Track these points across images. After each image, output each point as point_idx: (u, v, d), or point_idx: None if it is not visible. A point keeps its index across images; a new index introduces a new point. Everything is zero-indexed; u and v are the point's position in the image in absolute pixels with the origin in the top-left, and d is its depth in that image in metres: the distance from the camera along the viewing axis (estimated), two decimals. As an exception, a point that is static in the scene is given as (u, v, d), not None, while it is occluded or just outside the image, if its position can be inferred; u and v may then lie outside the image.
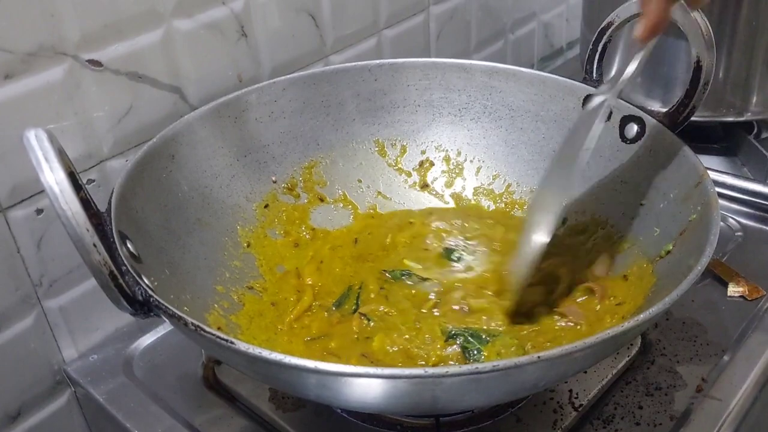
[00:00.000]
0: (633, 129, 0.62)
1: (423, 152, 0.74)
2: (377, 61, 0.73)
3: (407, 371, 0.38)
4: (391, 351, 0.55)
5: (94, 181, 0.63)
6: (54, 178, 0.41)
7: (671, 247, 0.54)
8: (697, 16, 0.58)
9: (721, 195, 0.80)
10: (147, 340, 0.67)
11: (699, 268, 0.45)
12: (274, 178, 0.69)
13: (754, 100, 0.86)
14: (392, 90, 0.73)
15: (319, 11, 0.77)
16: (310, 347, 0.57)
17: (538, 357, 0.38)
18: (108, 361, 0.65)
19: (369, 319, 0.58)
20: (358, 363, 0.54)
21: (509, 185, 0.71)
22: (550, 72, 0.70)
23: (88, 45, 0.59)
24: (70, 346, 0.66)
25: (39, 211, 0.60)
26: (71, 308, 0.65)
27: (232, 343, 0.39)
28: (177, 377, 0.63)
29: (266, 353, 0.39)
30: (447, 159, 0.74)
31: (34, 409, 0.65)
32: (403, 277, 0.63)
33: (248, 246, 0.64)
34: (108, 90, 0.62)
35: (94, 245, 0.41)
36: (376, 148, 0.73)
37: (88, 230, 0.41)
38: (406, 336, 0.56)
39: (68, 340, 0.65)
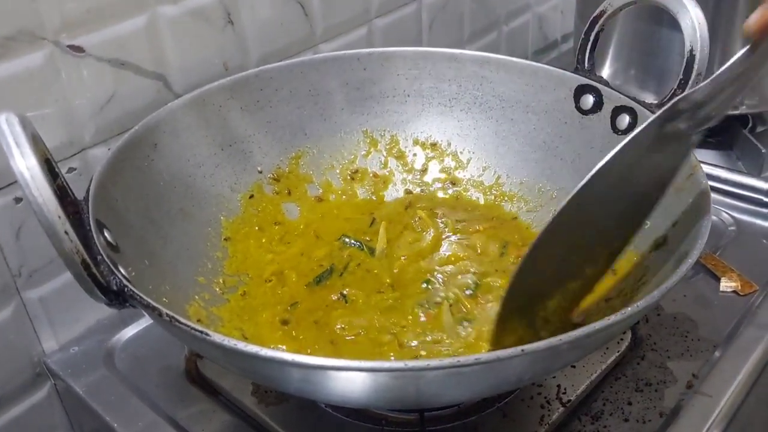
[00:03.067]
0: (625, 120, 0.61)
1: (413, 143, 0.73)
2: (366, 50, 0.71)
3: (388, 364, 0.37)
4: None
5: (75, 169, 0.62)
6: (25, 163, 0.40)
7: (662, 240, 0.53)
8: (690, 3, 0.57)
9: (715, 189, 0.78)
10: (129, 332, 0.66)
11: (690, 260, 0.43)
12: (259, 168, 0.68)
13: (749, 93, 0.85)
14: (381, 79, 0.72)
15: (309, -1, 0.76)
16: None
17: (522, 350, 0.37)
18: (89, 354, 0.64)
19: None
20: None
21: (499, 177, 0.70)
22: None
23: (69, 30, 0.58)
24: (50, 338, 0.65)
25: (18, 200, 0.58)
26: (52, 299, 0.63)
27: (207, 335, 0.38)
28: (159, 370, 0.62)
29: (241, 345, 0.37)
30: (436, 150, 0.73)
31: (13, 402, 0.63)
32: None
33: (226, 240, 0.63)
34: (90, 77, 0.60)
35: (66, 233, 0.40)
36: (365, 139, 0.72)
37: (59, 217, 0.40)
38: None
39: (48, 331, 0.64)
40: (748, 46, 0.44)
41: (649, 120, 0.45)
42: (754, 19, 0.41)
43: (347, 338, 0.55)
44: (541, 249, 0.45)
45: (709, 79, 0.45)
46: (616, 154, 0.44)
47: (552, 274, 0.48)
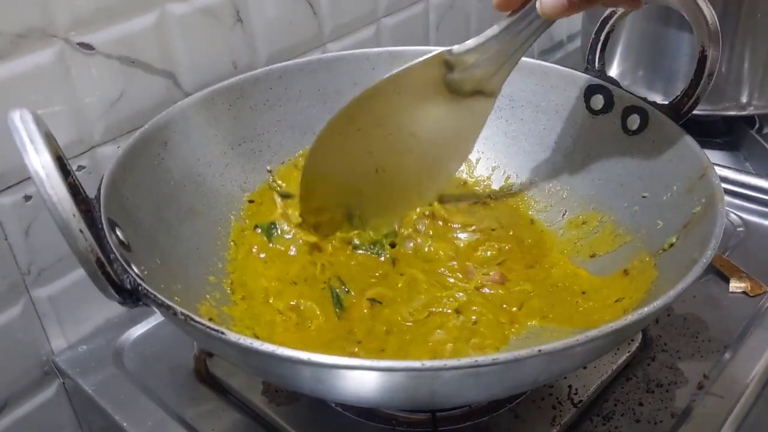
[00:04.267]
0: (636, 120, 0.61)
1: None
2: (376, 50, 0.71)
3: (403, 364, 0.37)
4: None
5: (84, 167, 0.62)
6: (39, 160, 0.39)
7: (675, 240, 0.53)
8: (702, 2, 0.56)
9: (723, 190, 0.79)
10: (138, 330, 0.66)
11: (704, 260, 0.43)
12: (269, 168, 0.67)
13: (757, 94, 0.85)
14: (391, 79, 0.71)
15: (317, -2, 0.76)
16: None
17: (539, 350, 0.37)
18: (98, 352, 0.64)
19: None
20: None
21: (508, 177, 0.70)
22: (551, 64, 0.69)
23: (79, 28, 0.58)
24: (59, 336, 0.64)
25: (27, 198, 0.58)
26: (61, 298, 0.63)
27: (222, 333, 0.38)
28: (168, 369, 0.62)
29: (258, 344, 0.37)
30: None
31: (21, 400, 0.63)
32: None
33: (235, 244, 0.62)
34: (99, 74, 0.60)
35: (81, 231, 0.40)
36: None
37: (74, 215, 0.40)
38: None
39: (57, 330, 0.64)
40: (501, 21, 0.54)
41: (413, 63, 0.56)
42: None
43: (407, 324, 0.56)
44: (324, 146, 0.58)
45: (470, 42, 0.55)
46: (375, 85, 0.57)
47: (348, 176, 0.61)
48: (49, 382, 0.65)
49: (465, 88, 0.57)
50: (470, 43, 0.55)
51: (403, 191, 0.64)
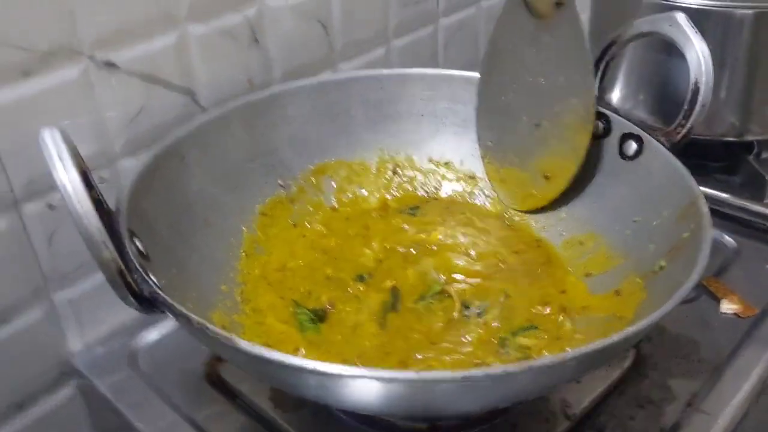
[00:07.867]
0: (632, 146, 0.64)
1: (427, 161, 0.76)
2: (386, 71, 0.74)
3: (401, 374, 0.40)
4: None
5: (105, 179, 0.65)
6: (67, 177, 0.43)
7: (663, 264, 0.55)
8: (696, 38, 0.59)
9: (718, 213, 0.81)
10: (152, 334, 0.68)
11: (688, 285, 0.46)
12: (281, 182, 0.70)
13: (755, 120, 0.87)
14: (399, 99, 0.74)
15: (330, 19, 0.79)
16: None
17: (529, 366, 0.40)
18: (114, 354, 0.66)
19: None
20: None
21: (510, 197, 0.73)
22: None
23: (103, 46, 0.61)
24: (77, 339, 0.67)
25: (51, 207, 0.61)
26: (80, 301, 0.66)
27: (234, 341, 0.41)
28: (180, 372, 0.64)
29: (266, 352, 0.40)
30: (450, 169, 0.75)
31: (39, 399, 0.66)
32: None
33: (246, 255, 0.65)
34: (121, 90, 0.63)
35: (104, 243, 0.43)
36: (382, 156, 0.75)
37: (98, 229, 0.43)
38: None
39: (76, 332, 0.67)
40: None
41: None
42: None
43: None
44: None
45: None
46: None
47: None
48: (66, 382, 0.68)
49: (543, 4, 0.56)
50: None
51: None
